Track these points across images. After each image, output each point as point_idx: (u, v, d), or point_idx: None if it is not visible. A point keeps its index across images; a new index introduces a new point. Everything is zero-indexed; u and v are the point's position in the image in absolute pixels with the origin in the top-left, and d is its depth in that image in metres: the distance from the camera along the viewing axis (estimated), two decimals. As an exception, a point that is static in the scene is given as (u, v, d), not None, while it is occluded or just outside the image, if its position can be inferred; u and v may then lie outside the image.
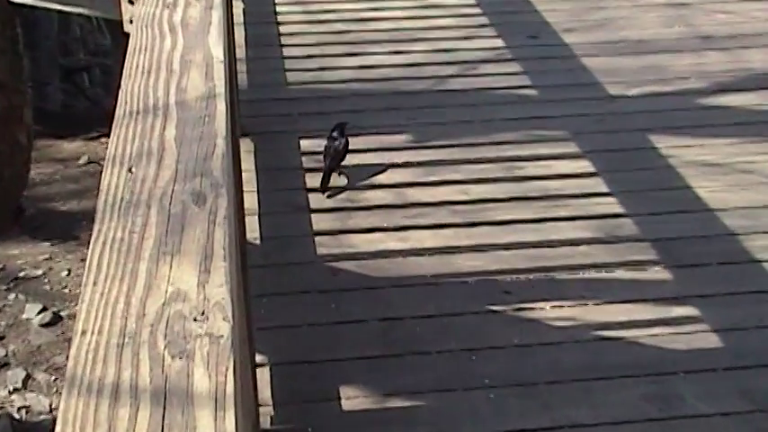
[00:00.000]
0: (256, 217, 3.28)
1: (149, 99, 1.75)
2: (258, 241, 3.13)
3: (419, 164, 3.63)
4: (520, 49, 4.58)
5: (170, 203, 1.42)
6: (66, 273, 4.74)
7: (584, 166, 3.60)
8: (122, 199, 1.45)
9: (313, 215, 3.32)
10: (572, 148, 3.73)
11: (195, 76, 1.81)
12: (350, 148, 3.54)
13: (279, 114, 4.05)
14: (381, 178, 3.55)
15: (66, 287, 4.74)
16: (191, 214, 1.39)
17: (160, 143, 1.58)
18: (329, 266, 3.02)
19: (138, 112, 1.70)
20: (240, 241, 2.09)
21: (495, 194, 3.41)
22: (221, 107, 1.68)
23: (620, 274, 2.95)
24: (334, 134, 3.53)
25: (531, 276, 2.96)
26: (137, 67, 1.88)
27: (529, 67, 4.40)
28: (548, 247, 3.11)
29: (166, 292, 1.23)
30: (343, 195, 3.45)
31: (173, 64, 1.87)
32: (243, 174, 3.03)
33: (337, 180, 3.51)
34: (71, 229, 5.08)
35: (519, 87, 4.26)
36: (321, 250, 3.12)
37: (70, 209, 5.26)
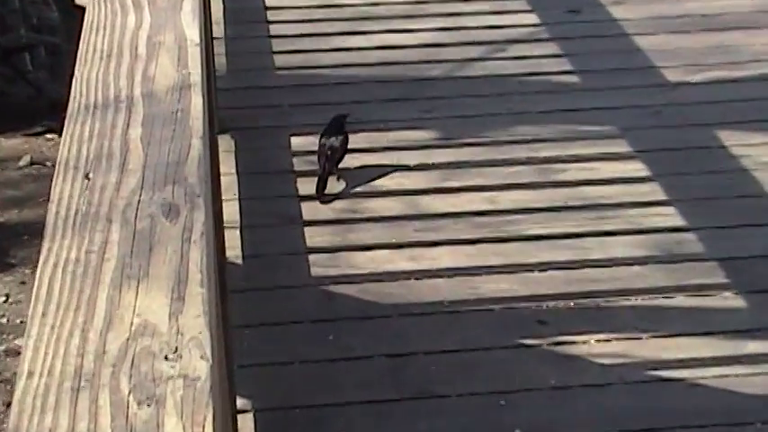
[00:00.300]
0: (237, 231, 3.33)
1: (109, 90, 1.77)
2: (240, 260, 3.19)
3: (435, 166, 3.69)
4: (558, 26, 4.64)
5: (135, 217, 1.46)
6: (2, 299, 4.75)
7: (637, 168, 3.64)
8: (77, 212, 1.47)
9: (306, 228, 3.37)
10: (622, 146, 3.78)
11: (165, 61, 1.84)
12: (351, 146, 3.60)
13: (265, 106, 4.12)
14: (389, 183, 3.61)
15: (3, 316, 4.75)
16: (161, 230, 1.43)
17: (123, 144, 1.62)
18: (325, 291, 3.07)
19: (95, 106, 1.73)
20: (219, 261, 2.15)
21: (528, 203, 3.46)
22: (197, 100, 1.71)
23: (681, 300, 2.99)
24: (332, 129, 3.59)
25: (572, 303, 3.01)
26: (94, 50, 1.91)
27: (569, 49, 4.45)
28: (592, 267, 3.17)
29: (131, 324, 1.25)
30: (342, 204, 3.50)
31: (138, 47, 1.91)
32: (221, 178, 3.05)
33: (335, 185, 3.57)
34: (10, 245, 5.10)
35: (557, 73, 4.32)
36: (316, 271, 3.17)
37: (8, 220, 5.26)
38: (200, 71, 1.81)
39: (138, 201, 1.49)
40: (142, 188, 1.51)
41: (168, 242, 1.39)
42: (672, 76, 4.20)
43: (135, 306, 1.28)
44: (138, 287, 1.32)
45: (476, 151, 3.78)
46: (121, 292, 1.31)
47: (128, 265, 1.36)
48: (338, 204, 3.51)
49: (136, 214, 1.46)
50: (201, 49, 1.92)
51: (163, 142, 1.61)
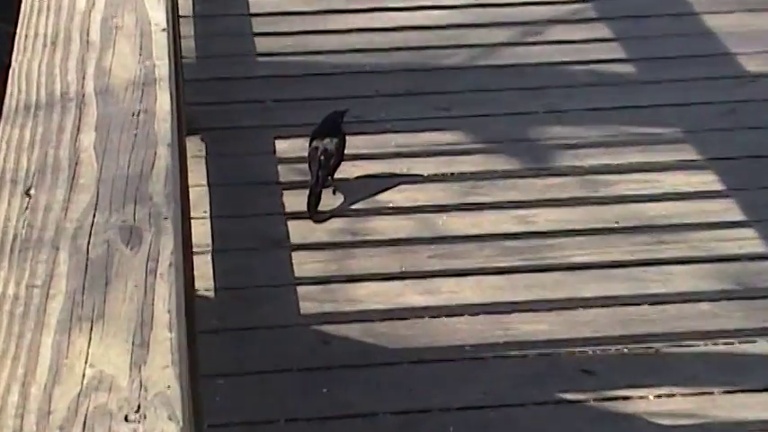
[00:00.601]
0: (209, 257, 3.36)
1: (55, 85, 1.78)
2: (211, 293, 3.22)
3: (454, 177, 3.71)
4: (607, 2, 4.68)
5: (88, 243, 1.46)
6: None
7: (706, 180, 3.66)
8: (16, 237, 1.48)
9: (295, 254, 3.37)
10: (687, 153, 3.79)
11: (124, 50, 1.86)
12: (349, 151, 3.62)
13: (243, 101, 4.15)
14: (397, 198, 3.62)
15: None
16: (119, 260, 1.44)
17: (72, 153, 1.63)
18: (318, 331, 3.08)
19: (38, 106, 1.74)
20: (188, 296, 2.14)
21: (570, 224, 3.49)
22: (164, 98, 1.73)
23: (764, 346, 2.99)
24: (326, 130, 3.62)
25: (625, 349, 3.02)
26: (35, 35, 1.92)
27: (621, 31, 4.48)
28: (650, 304, 3.18)
29: (83, 376, 1.25)
30: (339, 223, 3.51)
31: (90, 32, 1.93)
32: (189, 191, 3.04)
33: (331, 200, 3.59)
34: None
35: (606, 62, 4.35)
36: (307, 307, 3.18)
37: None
38: (167, 62, 1.82)
39: (92, 223, 1.49)
40: (96, 208, 1.52)
41: (129, 275, 1.41)
42: (750, 65, 4.24)
43: (87, 354, 1.29)
44: (91, 331, 1.33)
45: (505, 159, 3.81)
46: (71, 337, 1.32)
47: (78, 304, 1.37)
48: (334, 224, 3.52)
49: (89, 240, 1.46)
50: (169, 35, 1.93)
51: (122, 151, 1.62)
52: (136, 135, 1.66)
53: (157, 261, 1.44)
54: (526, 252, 3.39)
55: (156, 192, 1.55)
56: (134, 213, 1.52)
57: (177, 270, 1.44)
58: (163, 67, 1.81)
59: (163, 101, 1.73)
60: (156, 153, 1.62)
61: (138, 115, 1.69)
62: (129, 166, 1.60)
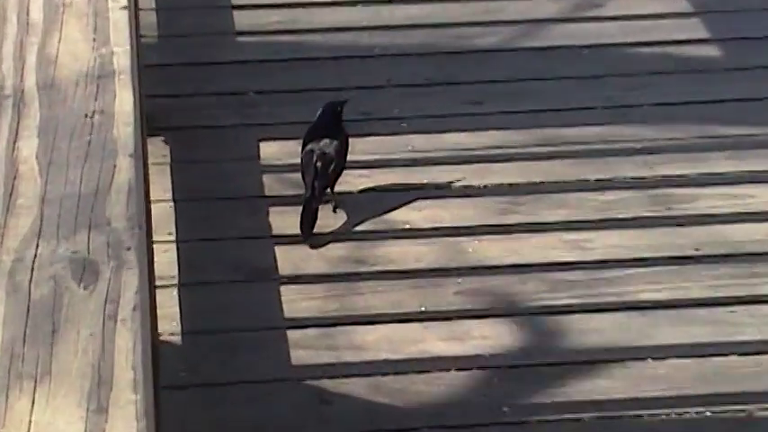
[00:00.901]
0: (175, 291, 3.36)
1: (-17, 78, 1.82)
2: (178, 338, 3.22)
3: (489, 190, 3.70)
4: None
5: (30, 281, 1.47)
6: None
7: (811, 195, 3.68)
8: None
9: (285, 288, 3.37)
10: (785, 160, 3.80)
11: (74, 33, 1.87)
12: (353, 157, 3.62)
13: (219, 92, 4.13)
14: (415, 217, 3.60)
15: None
16: (70, 302, 1.44)
17: (9, 165, 1.62)
18: (314, 389, 3.06)
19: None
20: (153, 344, 2.04)
21: (636, 251, 3.46)
22: (125, 95, 1.73)
23: None
24: (324, 129, 3.62)
25: (708, 412, 3.00)
26: (-41, 15, 1.96)
27: (700, 4, 4.51)
28: (740, 353, 3.17)
29: (26, 449, 1.27)
30: (341, 249, 3.49)
31: (30, 10, 1.93)
32: (151, 208, 2.97)
33: (330, 219, 3.57)
34: None
35: (682, 43, 4.36)
36: (299, 356, 3.16)
37: None
38: (128, 49, 1.82)
39: (35, 255, 1.49)
40: (39, 236, 1.52)
41: (81, 320, 1.40)
42: None
43: (30, 422, 1.29)
44: (34, 392, 1.33)
45: (552, 167, 3.80)
46: (9, 400, 1.32)
47: (18, 357, 1.37)
48: (335, 249, 3.50)
49: (30, 277, 1.46)
50: (131, 13, 1.95)
51: (72, 163, 1.62)
52: (90, 142, 1.64)
53: (118, 303, 1.43)
54: (579, 287, 3.38)
55: (116, 215, 1.53)
56: (88, 242, 1.50)
57: (143, 315, 1.46)
58: (123, 56, 1.80)
59: (123, 99, 1.72)
60: (115, 165, 1.60)
61: (92, 117, 1.68)
62: (81, 182, 1.57)
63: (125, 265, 1.50)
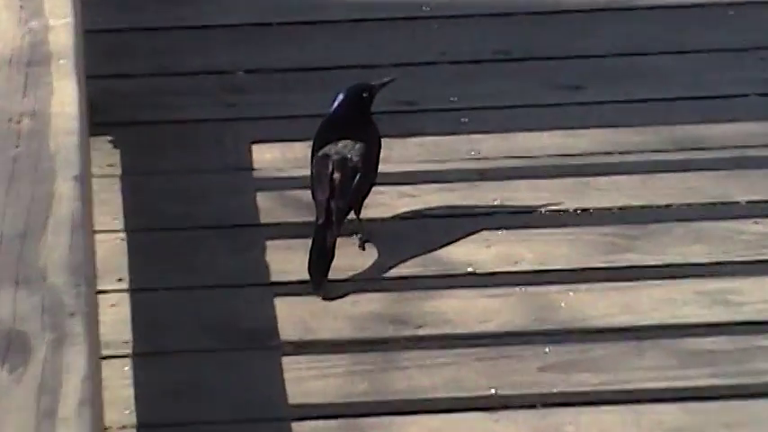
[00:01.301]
0: (127, 365, 3.05)
1: None
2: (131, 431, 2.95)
3: (590, 216, 3.44)
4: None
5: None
6: None
7: None
8: None
9: (287, 360, 3.06)
10: None
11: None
12: (387, 165, 3.41)
13: (191, 71, 3.91)
14: (482, 256, 3.34)
15: None
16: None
17: None
18: None
19: None
20: None
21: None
22: (67, 88, 1.68)
23: None
24: (344, 126, 3.35)
25: None
26: None
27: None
28: None
29: None
30: (371, 303, 3.23)
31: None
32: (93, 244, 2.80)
33: (357, 257, 3.34)
34: None
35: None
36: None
37: None
38: (70, 21, 1.80)
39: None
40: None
41: (6, 420, 1.30)
42: None
43: None
44: None
45: (685, 181, 3.54)
46: None
47: None
48: (362, 304, 3.21)
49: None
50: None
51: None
52: (15, 159, 1.55)
53: (57, 394, 1.32)
54: (725, 361, 3.03)
55: (54, 264, 1.45)
56: (14, 306, 1.41)
57: (93, 410, 1.34)
58: (63, 32, 1.78)
59: (64, 94, 1.68)
60: (52, 193, 1.54)
61: (18, 122, 1.61)
62: (2, 218, 1.49)
63: (67, 338, 1.42)
